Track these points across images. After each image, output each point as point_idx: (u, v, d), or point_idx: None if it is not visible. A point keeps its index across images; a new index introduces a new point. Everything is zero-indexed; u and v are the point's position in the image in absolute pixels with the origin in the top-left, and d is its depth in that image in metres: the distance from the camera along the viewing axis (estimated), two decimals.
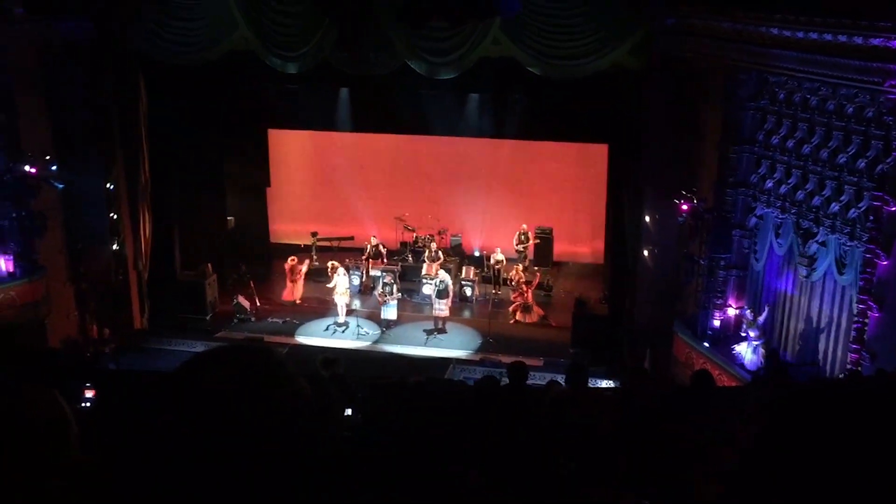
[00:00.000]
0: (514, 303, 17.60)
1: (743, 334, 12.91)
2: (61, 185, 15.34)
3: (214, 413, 1.32)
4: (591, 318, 16.55)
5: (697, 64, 13.50)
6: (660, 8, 13.36)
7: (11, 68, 14.75)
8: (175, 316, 17.39)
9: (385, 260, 18.96)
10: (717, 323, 13.70)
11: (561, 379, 11.48)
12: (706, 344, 13.61)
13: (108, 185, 16.28)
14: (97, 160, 16.04)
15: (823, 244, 11.59)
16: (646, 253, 15.29)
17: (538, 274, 18.46)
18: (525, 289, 17.34)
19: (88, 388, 6.43)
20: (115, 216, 16.55)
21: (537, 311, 17.66)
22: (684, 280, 14.40)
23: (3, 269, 15.32)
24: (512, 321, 17.39)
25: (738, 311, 13.43)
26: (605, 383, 14.24)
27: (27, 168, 14.80)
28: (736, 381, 12.42)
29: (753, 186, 13.02)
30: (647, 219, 15.10)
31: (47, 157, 15.02)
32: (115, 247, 16.64)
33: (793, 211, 12.12)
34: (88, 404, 6.18)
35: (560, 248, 20.43)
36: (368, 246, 19.10)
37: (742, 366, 12.68)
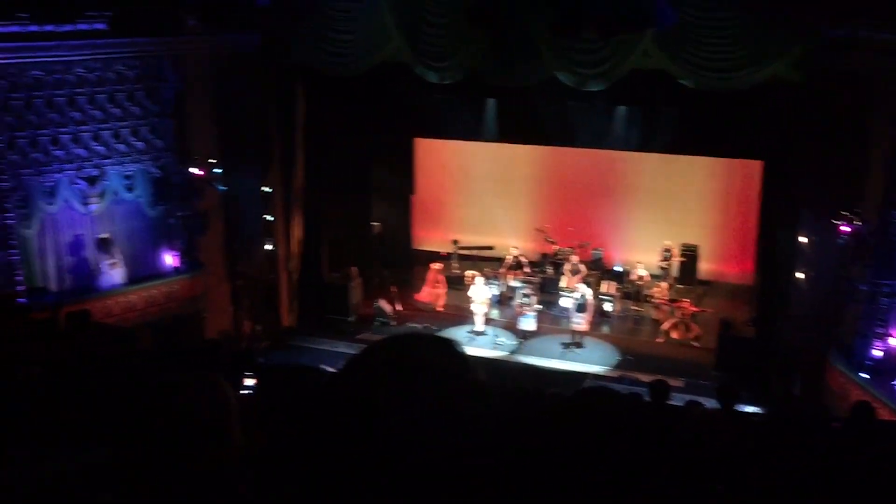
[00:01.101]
0: (665, 319, 17.18)
1: None
2: (223, 188, 16.34)
3: (403, 394, 1.36)
4: (738, 340, 15.89)
5: (864, 77, 12.75)
6: (824, 20, 12.71)
7: (184, 76, 15.86)
8: (320, 316, 18.08)
9: (525, 271, 18.95)
10: (877, 353, 12.84)
11: (703, 401, 11.13)
12: (864, 375, 12.78)
13: (264, 189, 17.15)
14: (256, 164, 16.96)
15: None
16: (800, 275, 14.54)
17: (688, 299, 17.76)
18: (686, 306, 16.80)
19: (249, 376, 6.85)
20: (270, 218, 17.41)
21: (695, 329, 17.01)
22: (842, 306, 13.59)
23: (169, 264, 16.45)
24: (662, 339, 16.86)
25: None
26: (751, 409, 13.63)
27: (194, 170, 15.86)
28: None
29: None
30: (803, 240, 14.36)
31: (212, 161, 16.03)
32: (268, 247, 17.50)
33: None
34: (250, 392, 6.57)
35: (706, 267, 19.73)
36: (509, 256, 19.15)
37: None
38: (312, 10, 15.47)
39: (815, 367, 13.90)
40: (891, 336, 12.73)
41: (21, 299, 13.91)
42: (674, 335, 16.83)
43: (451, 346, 1.46)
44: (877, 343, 12.85)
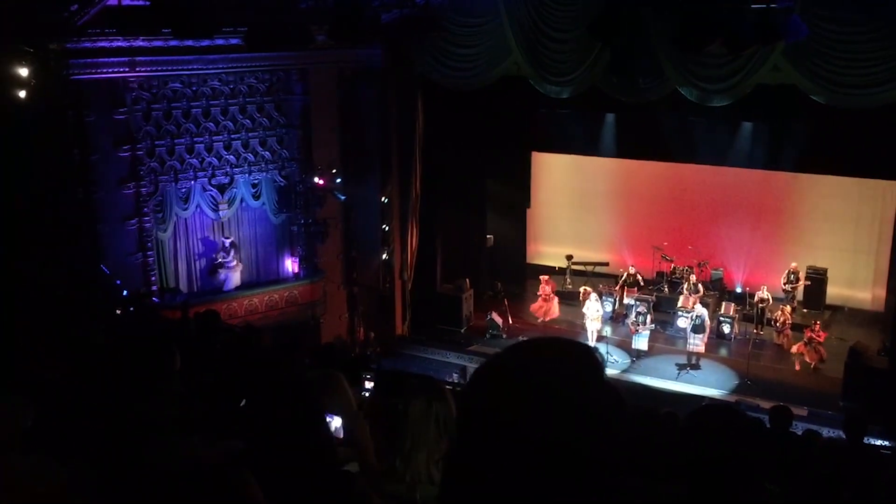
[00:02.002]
0: (788, 344, 16.50)
1: None
2: (343, 197, 16.84)
3: (545, 397, 1.38)
4: (868, 370, 15.01)
5: None
6: None
7: (311, 89, 16.48)
8: (432, 326, 18.29)
9: (640, 289, 18.59)
10: None
11: (825, 432, 10.60)
12: None
13: (382, 199, 17.55)
14: (376, 175, 17.39)
15: None
16: None
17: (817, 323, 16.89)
18: (817, 330, 16.03)
19: (369, 379, 7.07)
20: (387, 228, 17.78)
21: (823, 353, 16.19)
22: None
23: (291, 270, 17.06)
24: (798, 366, 16.11)
25: None
26: (880, 443, 12.87)
27: (316, 180, 16.43)
28: None
29: None
30: None
31: (333, 171, 16.56)
32: (384, 256, 17.88)
33: None
34: (367, 394, 6.78)
35: (834, 291, 18.74)
36: (625, 273, 18.84)
37: None
38: (435, 26, 15.76)
39: None
40: None
41: (154, 299, 14.75)
42: (807, 359, 16.01)
43: (593, 354, 1.47)
44: None
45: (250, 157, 16.29)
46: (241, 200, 16.35)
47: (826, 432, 11.06)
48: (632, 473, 1.51)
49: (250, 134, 16.23)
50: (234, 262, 16.19)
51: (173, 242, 15.77)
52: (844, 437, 7.11)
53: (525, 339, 1.59)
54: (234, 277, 16.22)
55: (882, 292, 17.79)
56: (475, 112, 17.43)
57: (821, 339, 16.03)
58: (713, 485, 2.27)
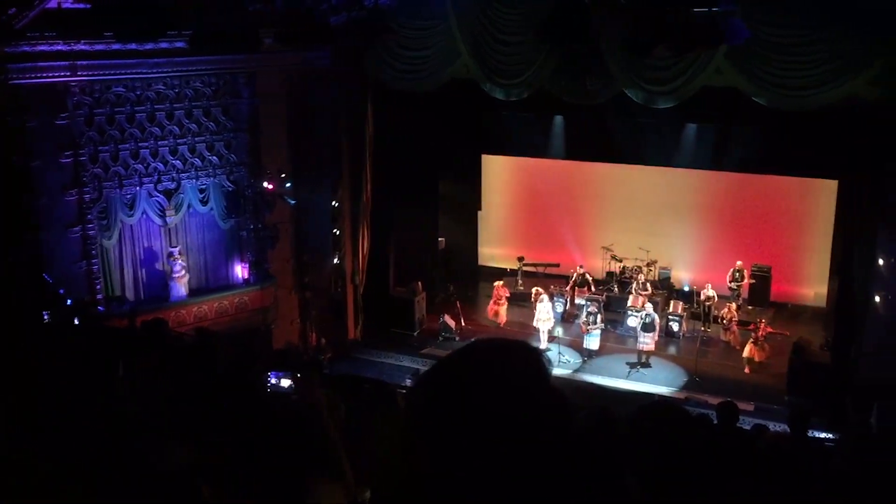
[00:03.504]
0: (735, 341, 16.85)
1: None
2: (293, 201, 16.69)
3: (488, 399, 1.39)
4: (811, 365, 15.41)
5: None
6: None
7: (259, 92, 16.31)
8: (385, 329, 18.24)
9: (590, 289, 18.80)
10: None
11: (772, 426, 10.83)
12: None
13: (333, 203, 17.45)
14: (326, 179, 17.27)
15: None
16: (878, 299, 14.07)
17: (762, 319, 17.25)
18: (762, 326, 16.38)
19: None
20: (338, 232, 17.68)
21: (767, 350, 16.52)
22: None
23: (240, 275, 16.86)
24: (748, 369, 16.42)
25: None
26: (824, 435, 13.21)
27: (266, 184, 16.26)
28: None
29: None
30: (881, 262, 13.91)
31: (283, 175, 16.41)
32: (336, 261, 17.77)
33: None
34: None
35: (778, 289, 19.21)
36: (574, 274, 19.03)
37: None
38: (385, 29, 15.73)
39: (893, 394, 13.40)
40: None
41: (99, 307, 14.43)
42: (757, 359, 16.33)
43: (536, 354, 1.49)
44: None
45: (197, 161, 16.06)
46: (189, 206, 16.10)
47: (773, 426, 11.30)
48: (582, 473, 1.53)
49: (197, 138, 15.99)
50: (182, 272, 15.92)
51: (118, 250, 15.46)
52: (789, 431, 7.29)
53: (469, 342, 1.60)
54: (182, 286, 15.96)
55: (823, 289, 18.27)
56: (426, 115, 17.44)
57: (767, 333, 16.39)
58: (659, 482, 2.30)
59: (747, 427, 9.06)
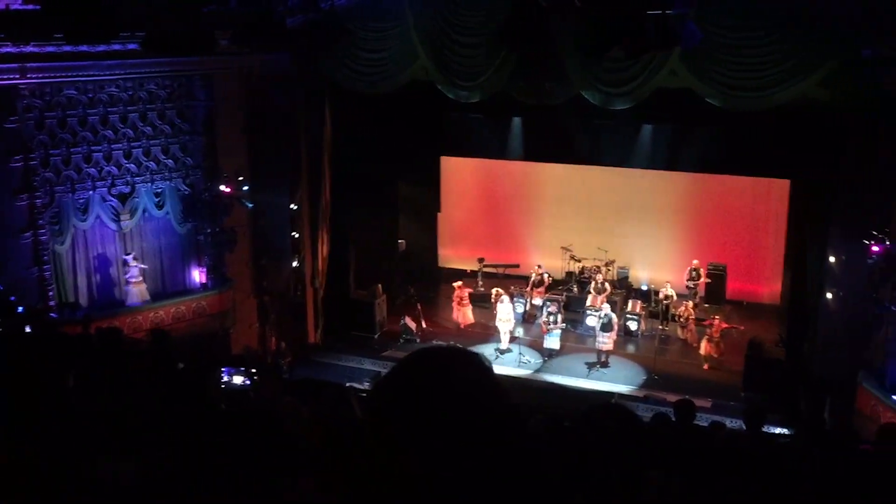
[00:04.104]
0: (693, 339, 17.10)
1: None
2: (251, 205, 16.52)
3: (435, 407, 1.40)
4: (766, 361, 15.70)
5: (894, 97, 12.62)
6: (856, 39, 12.63)
7: (215, 95, 16.11)
8: (346, 332, 18.16)
9: (550, 289, 18.93)
10: None
11: (728, 423, 11.01)
12: (895, 397, 12.59)
13: (292, 206, 17.31)
14: (284, 182, 17.13)
15: None
16: (829, 296, 14.38)
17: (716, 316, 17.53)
18: (717, 323, 16.63)
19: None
20: (297, 235, 17.55)
21: (721, 347, 16.79)
22: (872, 327, 13.41)
23: (198, 280, 16.64)
24: (707, 366, 16.66)
25: None
26: (779, 431, 13.46)
27: (223, 187, 16.07)
28: None
29: None
30: (832, 259, 14.22)
31: (240, 178, 16.23)
32: (295, 264, 17.63)
33: None
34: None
35: (734, 286, 19.55)
36: (533, 274, 19.15)
37: None
38: (342, 30, 15.66)
39: (845, 389, 13.72)
40: None
41: (52, 314, 14.13)
42: (715, 354, 16.58)
43: (480, 361, 1.50)
44: None
45: (152, 165, 15.82)
46: (144, 210, 15.84)
47: (730, 423, 11.48)
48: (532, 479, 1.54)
49: (151, 141, 15.74)
50: (138, 277, 15.66)
51: (72, 255, 15.15)
52: (745, 427, 7.41)
53: (414, 351, 1.61)
54: (138, 291, 15.70)
55: (778, 286, 18.62)
56: (385, 117, 17.42)
57: (722, 329, 16.67)
58: (602, 483, 2.33)
59: (705, 424, 9.20)
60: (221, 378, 6.37)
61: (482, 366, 1.49)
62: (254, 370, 6.59)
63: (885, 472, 6.13)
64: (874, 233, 12.83)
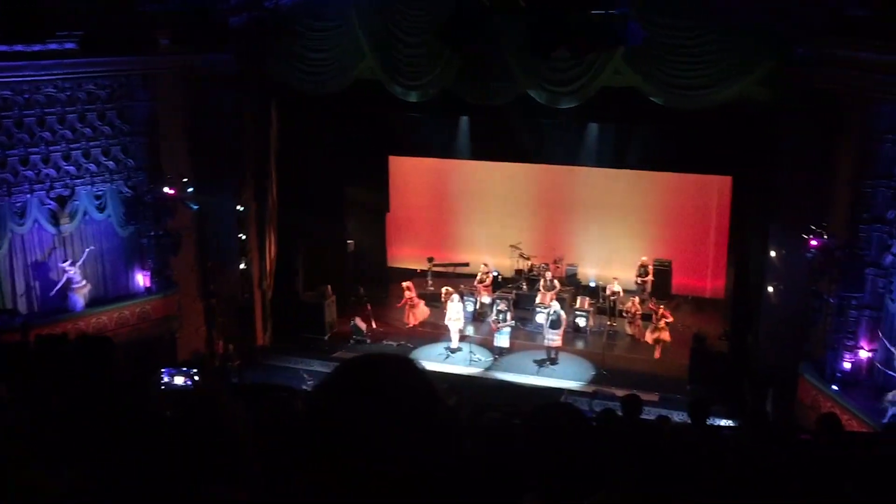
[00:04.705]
0: (639, 334, 17.38)
1: None
2: (196, 207, 16.25)
3: (366, 417, 1.40)
4: (711, 354, 16.03)
5: (831, 95, 12.99)
6: (791, 38, 12.96)
7: (157, 96, 15.80)
8: (295, 334, 17.99)
9: (490, 285, 19.07)
10: (847, 365, 13.01)
11: (675, 416, 11.20)
12: (835, 387, 12.93)
13: (238, 207, 17.08)
14: (230, 183, 16.88)
15: None
16: (770, 289, 14.72)
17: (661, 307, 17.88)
18: (664, 313, 16.94)
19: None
20: (244, 237, 17.32)
21: (667, 337, 17.15)
22: (812, 319, 13.76)
23: (141, 284, 16.31)
24: (658, 354, 16.96)
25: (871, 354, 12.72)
26: (724, 423, 13.74)
27: (166, 189, 15.76)
28: (869, 428, 11.72)
29: (890, 223, 12.36)
30: (773, 254, 14.56)
31: (185, 180, 15.94)
32: (242, 266, 17.40)
33: None
34: None
35: (678, 281, 19.92)
36: (480, 273, 19.24)
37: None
38: (286, 30, 15.51)
39: (787, 380, 14.06)
40: (859, 348, 12.91)
41: None
42: (663, 338, 16.90)
43: (414, 366, 1.50)
44: (846, 355, 13.02)
45: (92, 167, 15.44)
46: (85, 213, 15.45)
47: (676, 416, 11.68)
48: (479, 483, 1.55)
49: (91, 143, 15.35)
50: (81, 282, 15.28)
51: (9, 261, 14.69)
52: (690, 420, 7.54)
53: (353, 359, 1.61)
54: (81, 296, 15.31)
55: (721, 281, 19.00)
56: (332, 116, 17.30)
57: (669, 319, 17.01)
58: (554, 484, 2.34)
59: (652, 418, 9.34)
60: (162, 380, 6.25)
61: (418, 371, 1.50)
62: (195, 371, 6.47)
63: (824, 461, 6.30)
64: (812, 227, 13.16)
